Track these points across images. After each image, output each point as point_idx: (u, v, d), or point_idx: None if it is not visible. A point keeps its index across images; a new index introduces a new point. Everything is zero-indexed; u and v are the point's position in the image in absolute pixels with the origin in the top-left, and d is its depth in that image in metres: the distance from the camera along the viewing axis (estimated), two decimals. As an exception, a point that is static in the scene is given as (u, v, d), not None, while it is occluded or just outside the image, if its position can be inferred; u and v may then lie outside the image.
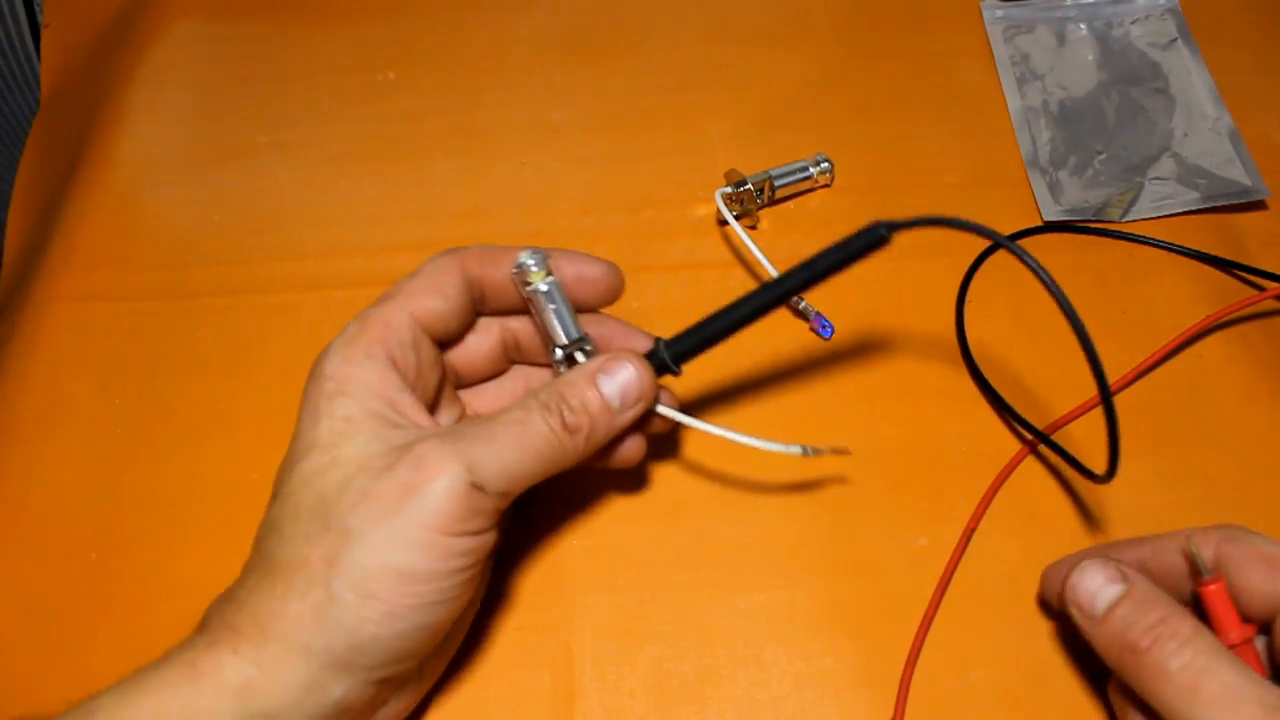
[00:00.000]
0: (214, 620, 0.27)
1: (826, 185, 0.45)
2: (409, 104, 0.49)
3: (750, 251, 0.41)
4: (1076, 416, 0.38)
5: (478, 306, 0.33)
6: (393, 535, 0.26)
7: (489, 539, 0.28)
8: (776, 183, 0.44)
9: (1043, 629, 0.34)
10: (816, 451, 0.33)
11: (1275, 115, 0.47)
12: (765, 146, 0.46)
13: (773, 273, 0.40)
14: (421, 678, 0.31)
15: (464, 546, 0.27)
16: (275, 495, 0.29)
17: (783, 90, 0.49)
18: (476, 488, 0.27)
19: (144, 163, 0.48)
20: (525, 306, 0.32)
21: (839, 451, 0.35)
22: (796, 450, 0.32)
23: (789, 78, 0.49)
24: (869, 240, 0.28)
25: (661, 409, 0.32)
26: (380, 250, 0.44)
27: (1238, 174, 0.44)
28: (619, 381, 0.30)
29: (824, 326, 0.40)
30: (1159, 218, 0.43)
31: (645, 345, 0.33)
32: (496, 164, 0.47)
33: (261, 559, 0.28)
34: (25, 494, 0.38)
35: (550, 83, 0.50)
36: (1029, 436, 0.38)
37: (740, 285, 0.42)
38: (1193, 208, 0.43)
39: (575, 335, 0.32)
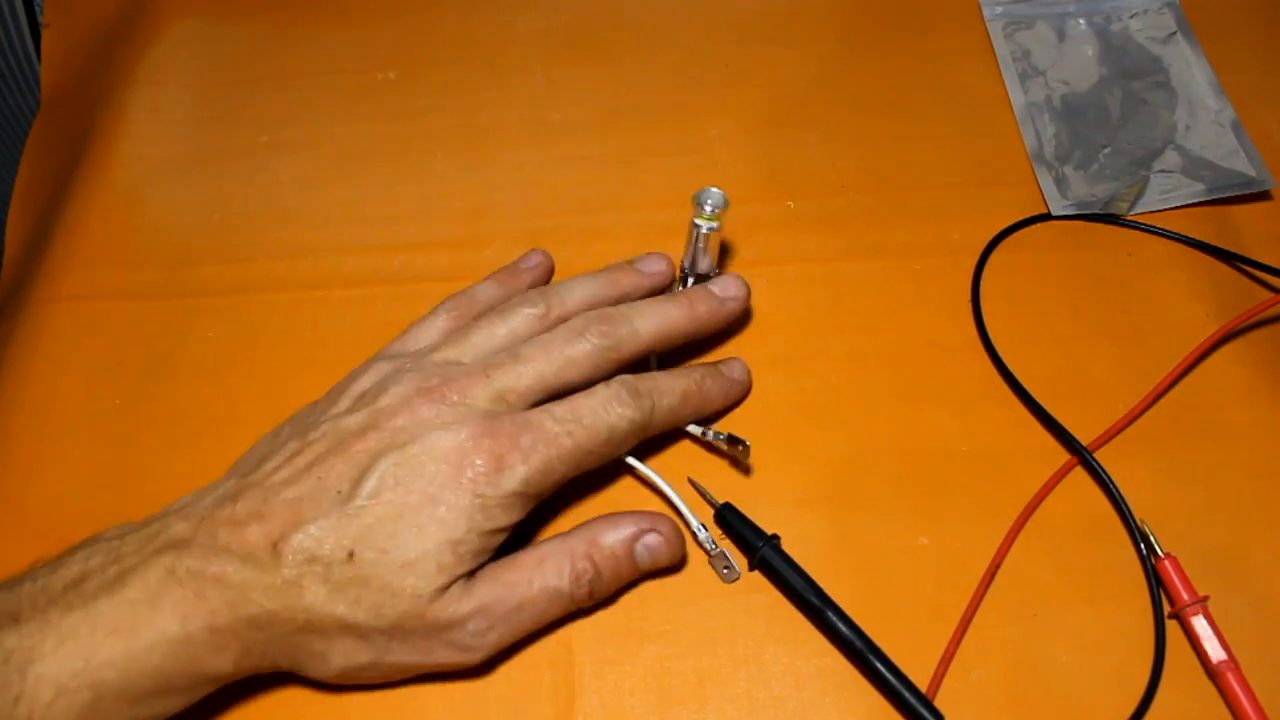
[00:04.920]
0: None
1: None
2: (409, 104, 0.49)
3: (750, 249, 0.41)
4: (1118, 431, 0.38)
5: None
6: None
7: None
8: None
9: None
10: (728, 569, 0.35)
11: (1275, 110, 0.46)
12: (765, 146, 0.46)
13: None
14: None
15: None
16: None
17: (783, 89, 0.49)
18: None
19: (144, 163, 0.48)
20: None
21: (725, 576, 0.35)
22: (708, 543, 0.35)
23: (789, 77, 0.49)
24: None
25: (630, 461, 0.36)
26: (380, 250, 0.44)
27: (1242, 165, 0.44)
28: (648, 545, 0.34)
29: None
30: (1163, 210, 0.43)
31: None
32: (496, 164, 0.47)
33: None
34: (25, 494, 0.38)
35: (550, 82, 0.50)
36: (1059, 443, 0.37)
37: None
38: (1199, 199, 0.43)
39: (702, 270, 0.39)
